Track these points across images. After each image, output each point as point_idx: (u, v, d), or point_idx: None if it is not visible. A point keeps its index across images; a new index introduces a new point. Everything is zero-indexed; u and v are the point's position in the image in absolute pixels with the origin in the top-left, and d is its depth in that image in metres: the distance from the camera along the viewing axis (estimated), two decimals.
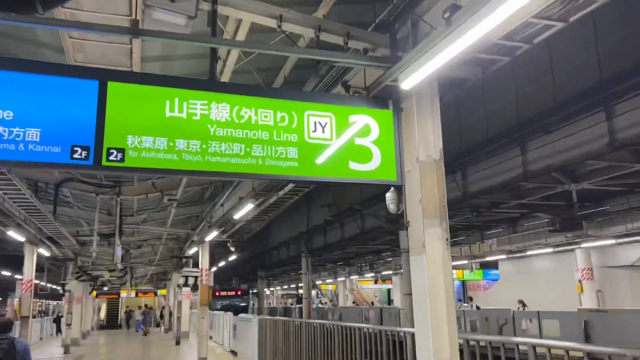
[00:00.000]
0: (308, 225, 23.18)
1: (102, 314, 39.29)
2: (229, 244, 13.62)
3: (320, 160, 3.87)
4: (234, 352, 16.25)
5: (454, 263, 24.13)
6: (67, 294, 20.34)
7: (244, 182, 9.07)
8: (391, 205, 5.43)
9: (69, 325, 20.15)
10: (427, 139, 3.85)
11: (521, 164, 10.74)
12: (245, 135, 3.72)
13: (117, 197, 9.36)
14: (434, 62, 3.39)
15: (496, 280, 27.14)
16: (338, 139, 3.98)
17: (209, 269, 13.98)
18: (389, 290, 48.38)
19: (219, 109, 3.78)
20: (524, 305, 20.25)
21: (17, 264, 22.46)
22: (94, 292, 33.17)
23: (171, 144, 3.60)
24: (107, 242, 13.49)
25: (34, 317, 36.29)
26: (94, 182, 9.24)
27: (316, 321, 8.51)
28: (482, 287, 30.00)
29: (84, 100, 3.55)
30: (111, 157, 3.53)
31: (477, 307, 21.81)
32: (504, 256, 24.62)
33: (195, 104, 3.77)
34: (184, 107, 3.75)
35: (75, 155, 3.45)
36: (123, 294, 35.58)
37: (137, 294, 37.31)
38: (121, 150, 3.54)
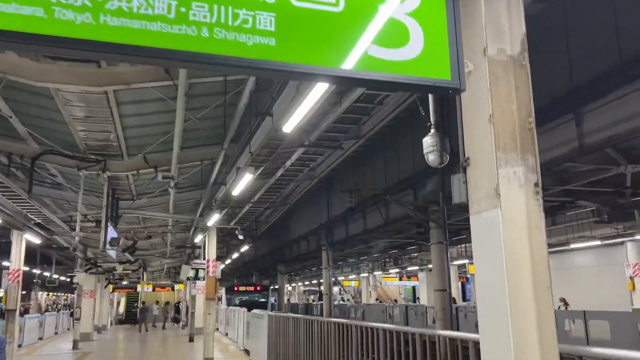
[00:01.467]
0: (328, 215, 21.70)
1: (121, 309, 38.58)
2: (237, 232, 12.26)
3: (316, 39, 2.35)
4: (247, 351, 14.94)
5: None
6: (76, 287, 19.31)
7: (244, 154, 7.67)
8: (431, 156, 3.90)
9: (77, 319, 19.13)
10: (499, 23, 2.33)
11: (576, 136, 9.05)
12: None
13: (103, 172, 8.09)
14: None
15: None
16: (349, 5, 2.41)
17: (216, 259, 12.60)
18: (414, 288, 46.73)
19: None
20: (566, 304, 18.40)
21: (31, 256, 21.57)
22: (111, 286, 32.40)
23: None
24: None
25: (46, 310, 35.80)
26: (76, 156, 7.98)
27: (330, 319, 7.08)
28: None
29: None
30: None
31: None
32: None
33: None
34: None
35: None
36: (139, 289, 34.77)
37: (154, 289, 36.44)
38: None
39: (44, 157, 7.82)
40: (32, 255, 22.21)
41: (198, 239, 13.34)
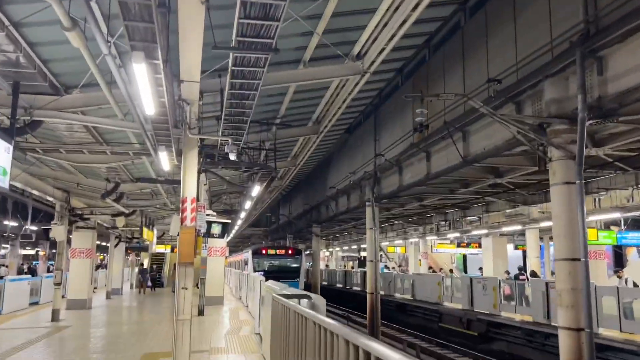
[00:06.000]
0: (375, 160, 16.80)
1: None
2: (225, 147, 7.53)
3: None
4: (261, 337, 10.57)
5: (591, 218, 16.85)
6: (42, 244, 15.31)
7: None
8: None
9: (57, 285, 15.21)
10: None
11: None
12: None
13: None
14: None
15: None
16: None
17: (223, 212, 7.67)
18: (464, 257, 41.58)
19: None
20: None
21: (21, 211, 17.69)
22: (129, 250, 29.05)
23: None
24: None
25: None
26: None
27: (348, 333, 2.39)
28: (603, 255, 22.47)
29: None
30: None
31: (635, 284, 14.88)
32: None
33: None
34: None
35: None
36: (160, 249, 31.26)
37: (172, 250, 32.77)
38: None
39: None
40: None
41: (164, 162, 8.41)
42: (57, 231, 14.70)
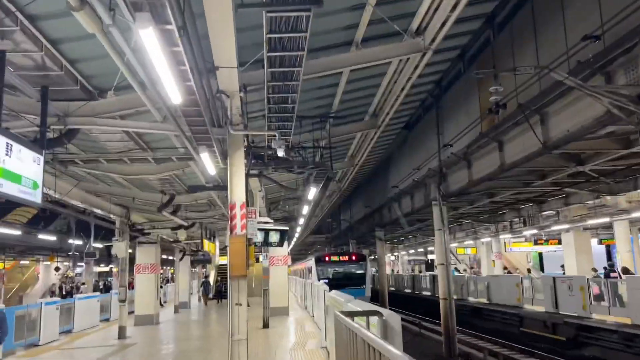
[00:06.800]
0: (440, 154, 15.67)
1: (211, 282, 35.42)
2: (272, 142, 6.70)
3: None
4: (327, 351, 9.77)
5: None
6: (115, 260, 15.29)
7: None
8: None
9: (122, 302, 15.12)
10: None
11: None
12: None
13: None
14: None
15: None
16: None
17: (247, 201, 6.82)
18: (540, 255, 38.92)
19: None
20: None
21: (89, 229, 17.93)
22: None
23: None
24: None
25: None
26: None
27: None
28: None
29: None
30: None
31: None
32: None
33: None
34: None
35: None
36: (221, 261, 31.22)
37: None
38: None
39: None
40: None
41: (207, 164, 7.58)
42: (119, 247, 14.63)
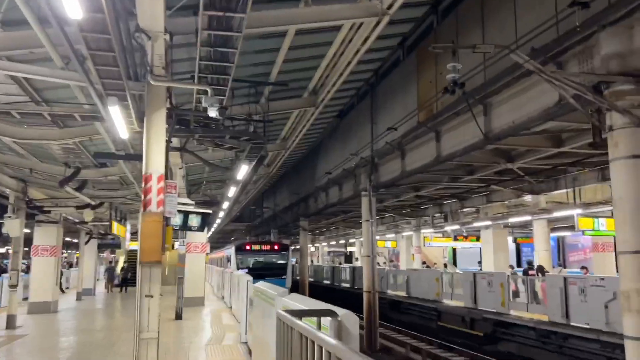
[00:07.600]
0: (372, 146, 15.19)
1: (118, 269, 33.10)
2: (203, 101, 5.65)
3: None
4: (249, 350, 8.93)
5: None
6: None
7: None
8: None
9: (13, 287, 13.27)
10: None
11: None
12: None
13: None
14: None
15: None
16: None
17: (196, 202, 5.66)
18: (453, 250, 40.20)
19: None
20: None
21: None
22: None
23: None
24: None
25: None
26: None
27: None
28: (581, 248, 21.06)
29: None
30: None
31: None
32: None
33: None
34: None
35: None
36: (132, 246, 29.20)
37: None
38: None
39: None
40: None
41: (118, 122, 6.07)
42: (11, 226, 12.76)
